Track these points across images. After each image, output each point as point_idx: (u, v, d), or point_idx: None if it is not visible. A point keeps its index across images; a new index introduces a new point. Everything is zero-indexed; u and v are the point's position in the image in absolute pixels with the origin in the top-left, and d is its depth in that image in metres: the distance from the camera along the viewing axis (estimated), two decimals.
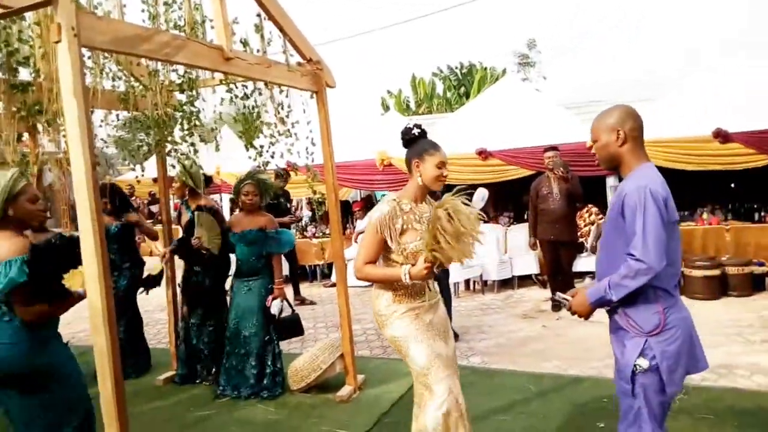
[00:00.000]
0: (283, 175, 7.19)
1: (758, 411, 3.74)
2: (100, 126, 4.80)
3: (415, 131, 2.86)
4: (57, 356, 2.74)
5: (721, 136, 6.82)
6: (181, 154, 4.70)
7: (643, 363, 2.20)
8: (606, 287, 2.21)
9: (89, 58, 3.99)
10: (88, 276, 2.55)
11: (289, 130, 4.61)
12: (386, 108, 24.06)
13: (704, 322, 5.83)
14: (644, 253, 2.10)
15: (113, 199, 5.23)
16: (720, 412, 3.74)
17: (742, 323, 5.64)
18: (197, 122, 4.30)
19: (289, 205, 7.71)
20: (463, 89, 27.46)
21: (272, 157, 4.48)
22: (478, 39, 52.51)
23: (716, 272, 6.72)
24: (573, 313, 2.39)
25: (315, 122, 4.57)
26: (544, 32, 59.34)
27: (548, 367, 4.81)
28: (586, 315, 2.35)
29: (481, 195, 3.08)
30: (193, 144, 4.41)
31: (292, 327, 4.69)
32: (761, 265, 6.85)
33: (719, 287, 6.74)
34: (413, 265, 2.63)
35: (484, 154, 8.11)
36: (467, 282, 8.12)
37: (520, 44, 34.67)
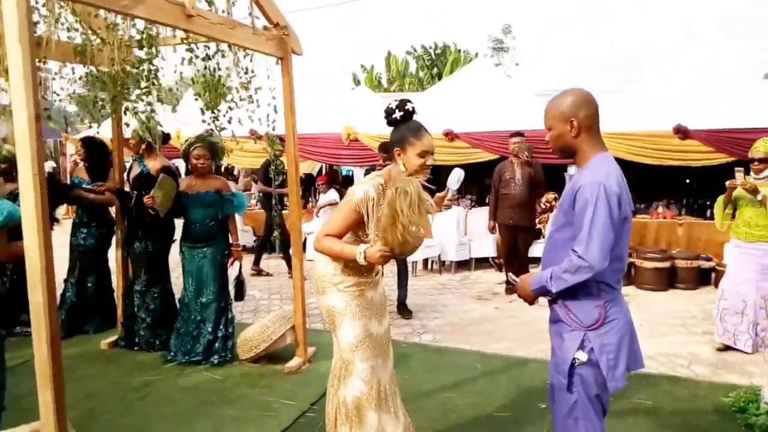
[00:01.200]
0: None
1: (693, 398, 3.87)
2: (54, 79, 4.62)
3: (397, 114, 2.62)
4: None
5: (681, 132, 6.96)
6: (140, 112, 4.55)
7: (582, 356, 2.16)
8: (548, 278, 2.17)
9: (44, 5, 3.82)
10: (26, 232, 2.45)
11: (251, 96, 4.51)
12: (357, 83, 23.81)
13: (651, 312, 6.02)
14: (587, 251, 2.05)
15: (91, 156, 5.22)
16: (658, 399, 3.86)
17: (686, 315, 5.83)
18: (155, 81, 4.14)
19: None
20: (435, 70, 27.35)
21: (230, 122, 4.37)
22: (454, 21, 52.36)
23: (666, 265, 6.92)
24: (519, 296, 2.37)
25: (279, 90, 4.47)
26: (520, 18, 59.41)
27: (497, 348, 4.89)
28: (530, 300, 2.33)
29: (457, 176, 2.95)
30: (150, 103, 4.26)
31: (240, 290, 4.77)
32: (708, 260, 7.08)
33: (668, 279, 6.95)
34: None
35: (450, 135, 8.10)
36: (425, 261, 8.17)
37: (495, 29, 34.74)
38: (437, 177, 10.06)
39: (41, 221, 2.44)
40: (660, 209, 7.98)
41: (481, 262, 8.23)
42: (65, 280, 5.37)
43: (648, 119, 7.22)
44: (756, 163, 4.57)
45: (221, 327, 4.59)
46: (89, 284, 5.31)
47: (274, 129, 4.61)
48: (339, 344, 2.73)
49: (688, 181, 9.05)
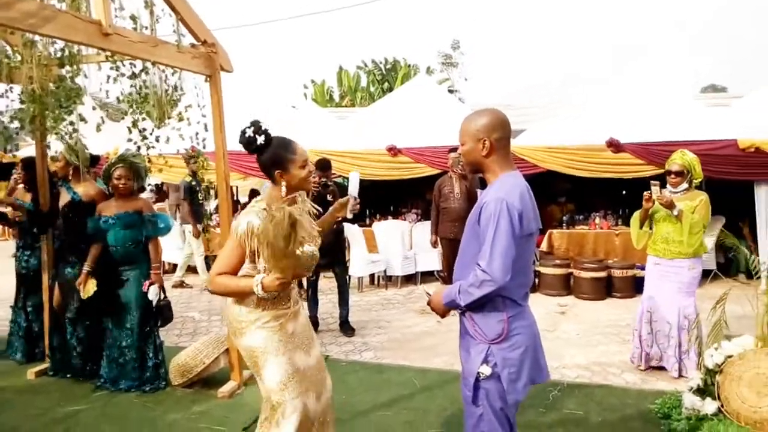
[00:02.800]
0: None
1: (623, 406, 3.95)
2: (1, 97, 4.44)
3: (260, 140, 2.47)
4: None
5: (614, 145, 7.19)
6: (66, 133, 4.40)
7: (486, 370, 2.20)
8: (456, 291, 2.21)
9: None
10: None
11: (180, 114, 4.42)
12: (306, 98, 23.79)
13: (587, 321, 6.16)
14: (489, 265, 2.09)
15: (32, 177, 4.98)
16: (589, 408, 3.93)
17: (621, 323, 5.97)
18: (77, 100, 4.02)
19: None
20: (386, 84, 27.57)
21: (157, 140, 4.27)
22: (405, 36, 53.01)
23: (603, 274, 7.10)
24: (432, 309, 2.40)
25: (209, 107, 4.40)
26: (469, 33, 60.66)
27: (436, 363, 4.90)
28: (441, 313, 2.37)
29: (355, 181, 2.88)
30: (72, 123, 4.13)
31: (167, 313, 4.51)
32: (643, 268, 7.28)
33: (605, 288, 7.13)
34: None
35: (393, 150, 8.15)
36: (372, 276, 8.15)
37: (444, 44, 35.27)
38: (381, 191, 10.07)
39: None
40: (597, 220, 8.21)
41: (427, 276, 8.26)
42: (12, 306, 5.22)
43: (583, 134, 7.44)
44: (672, 175, 4.42)
45: (150, 355, 4.44)
46: (29, 308, 5.10)
47: (204, 147, 4.53)
48: (264, 386, 2.53)
49: (624, 192, 9.35)
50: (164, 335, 4.88)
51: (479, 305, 2.20)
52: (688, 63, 8.74)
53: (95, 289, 4.32)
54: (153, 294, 4.33)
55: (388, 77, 28.21)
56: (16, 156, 5.60)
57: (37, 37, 3.94)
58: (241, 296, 2.49)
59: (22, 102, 4.21)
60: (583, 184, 8.40)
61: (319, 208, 2.78)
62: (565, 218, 8.44)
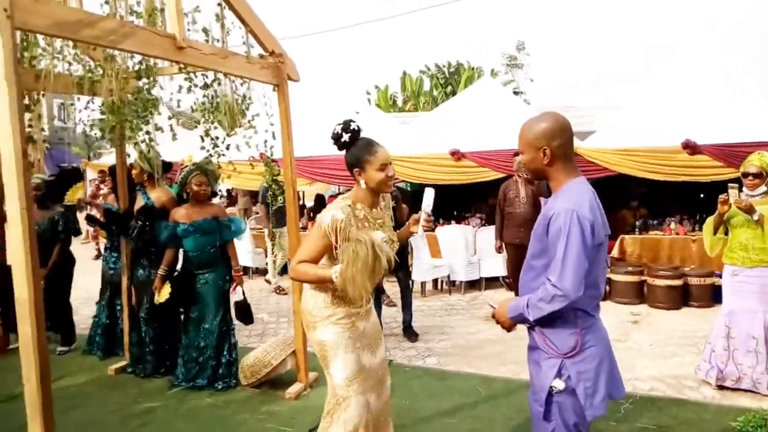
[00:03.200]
0: None
1: (700, 422, 3.76)
2: (86, 108, 4.75)
3: (345, 137, 2.60)
4: None
5: (690, 147, 6.86)
6: (141, 141, 4.63)
7: (559, 384, 2.12)
8: (524, 305, 2.14)
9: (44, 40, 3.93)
10: (14, 264, 2.49)
11: (249, 122, 4.57)
12: (370, 103, 24.00)
13: (662, 331, 5.89)
14: (561, 280, 2.03)
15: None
16: (663, 423, 3.76)
17: (698, 334, 5.67)
18: (153, 110, 4.22)
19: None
20: (450, 88, 27.45)
21: (227, 148, 4.41)
22: (468, 38, 52.63)
23: (678, 282, 6.78)
24: (497, 323, 2.34)
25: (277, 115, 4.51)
26: (535, 34, 59.48)
27: (502, 371, 4.81)
28: (507, 327, 2.30)
29: (430, 197, 2.87)
30: (148, 132, 4.33)
31: (247, 313, 4.76)
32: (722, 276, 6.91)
33: (681, 297, 6.80)
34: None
35: (457, 155, 8.09)
36: (435, 282, 8.11)
37: (509, 46, 34.77)
38: (445, 196, 10.04)
39: (29, 254, 2.48)
40: (673, 225, 7.84)
41: (492, 281, 8.14)
42: (97, 303, 5.53)
43: (655, 135, 7.14)
44: (750, 178, 4.13)
45: (225, 353, 4.60)
46: (118, 307, 5.38)
47: (272, 154, 4.65)
48: (332, 380, 2.64)
49: (702, 196, 8.90)
50: (236, 336, 5.02)
51: (549, 320, 2.13)
52: (720, 63, 8.30)
53: (168, 295, 4.51)
54: (239, 295, 4.54)
55: (451, 81, 28.08)
56: (88, 163, 5.92)
57: (116, 52, 4.17)
58: (319, 284, 2.60)
59: (102, 113, 4.46)
60: (657, 187, 8.04)
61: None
62: (638, 223, 8.12)
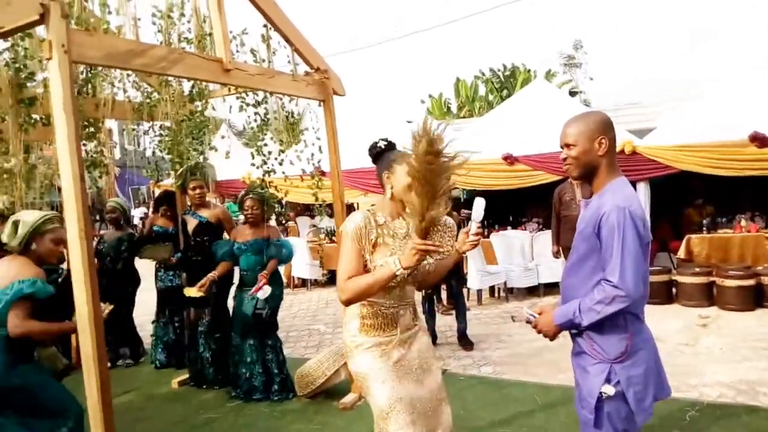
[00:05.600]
0: None
1: None
2: (147, 132, 5.02)
3: (381, 144, 2.52)
4: (28, 375, 2.92)
5: (758, 140, 6.50)
6: (201, 158, 4.82)
7: (609, 390, 2.07)
8: (576, 310, 2.09)
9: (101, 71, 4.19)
10: (75, 283, 2.65)
11: (298, 138, 4.69)
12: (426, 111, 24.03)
13: (733, 334, 5.59)
14: (622, 280, 1.98)
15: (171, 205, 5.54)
16: (732, 431, 3.56)
17: None
18: (205, 130, 4.40)
19: None
20: (505, 92, 27.10)
21: (281, 164, 4.53)
22: (524, 40, 51.83)
23: (751, 282, 6.42)
24: (539, 332, 2.28)
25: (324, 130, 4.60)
26: (593, 33, 57.97)
27: (560, 379, 4.69)
28: (552, 336, 2.24)
29: (480, 207, 2.74)
30: (203, 152, 4.52)
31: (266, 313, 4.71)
32: None
33: (754, 298, 6.43)
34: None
35: (510, 159, 7.99)
36: (492, 289, 8.01)
37: (566, 45, 34.01)
38: (499, 201, 9.86)
39: (88, 273, 2.63)
40: (744, 222, 7.44)
41: (551, 288, 7.95)
42: (154, 322, 5.77)
43: (718, 129, 6.81)
44: None
45: (275, 371, 4.70)
46: (177, 323, 5.63)
47: (320, 167, 4.75)
48: (374, 410, 2.47)
49: None
50: (292, 348, 5.14)
51: (597, 325, 2.08)
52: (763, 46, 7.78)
53: (197, 294, 4.68)
54: (263, 293, 4.54)
55: (506, 84, 27.73)
56: (156, 185, 6.17)
57: (170, 77, 4.38)
58: (380, 289, 2.32)
59: (161, 135, 4.70)
60: (724, 183, 7.67)
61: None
62: (705, 222, 7.75)
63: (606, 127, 2.16)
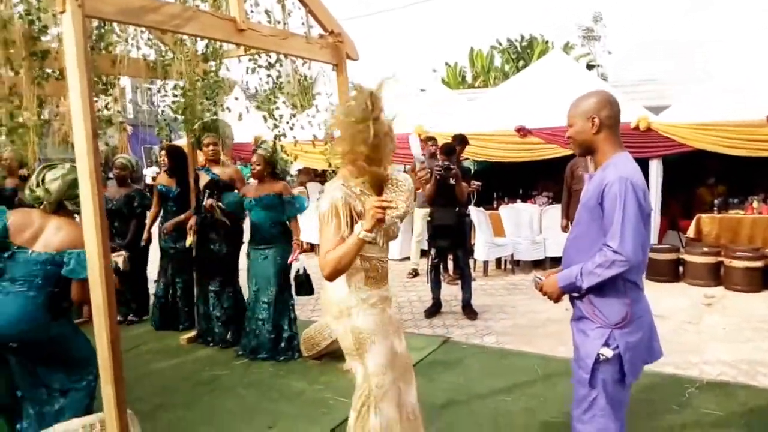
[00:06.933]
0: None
1: None
2: (159, 91, 5.00)
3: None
4: (64, 327, 3.00)
5: None
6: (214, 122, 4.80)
7: (608, 352, 2.21)
8: (578, 274, 2.22)
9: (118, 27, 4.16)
10: (86, 238, 2.69)
11: (311, 102, 4.66)
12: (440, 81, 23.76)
13: (738, 314, 5.61)
14: (621, 245, 2.11)
15: (175, 163, 5.51)
16: (730, 409, 3.60)
17: None
18: (219, 91, 4.39)
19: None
20: (522, 63, 26.71)
21: (291, 128, 4.53)
22: (542, 11, 50.73)
23: (759, 264, 6.39)
24: (543, 294, 2.42)
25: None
26: (613, 4, 56.56)
27: (561, 351, 4.74)
28: (556, 298, 2.38)
29: (415, 140, 2.69)
30: (215, 113, 4.52)
31: (307, 285, 4.88)
32: None
33: (761, 279, 6.42)
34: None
35: (522, 131, 7.92)
36: (498, 261, 8.03)
37: (585, 17, 33.29)
38: (510, 173, 9.81)
39: (99, 229, 2.66)
40: (756, 204, 7.37)
41: (558, 261, 7.93)
42: (155, 281, 5.81)
43: (736, 108, 6.70)
44: None
45: (284, 327, 4.78)
46: (179, 284, 5.67)
47: (332, 133, 4.73)
48: (366, 369, 2.51)
49: None
50: (299, 311, 5.20)
51: (600, 289, 2.21)
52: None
53: (192, 240, 4.87)
54: (299, 265, 4.69)
55: (523, 55, 27.34)
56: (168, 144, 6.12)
57: (185, 36, 4.35)
58: (354, 256, 2.31)
59: (174, 95, 4.69)
60: (737, 164, 7.57)
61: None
62: (716, 202, 7.68)
63: (600, 106, 2.27)
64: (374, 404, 2.50)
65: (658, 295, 5.85)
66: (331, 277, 2.35)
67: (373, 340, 2.48)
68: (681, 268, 6.95)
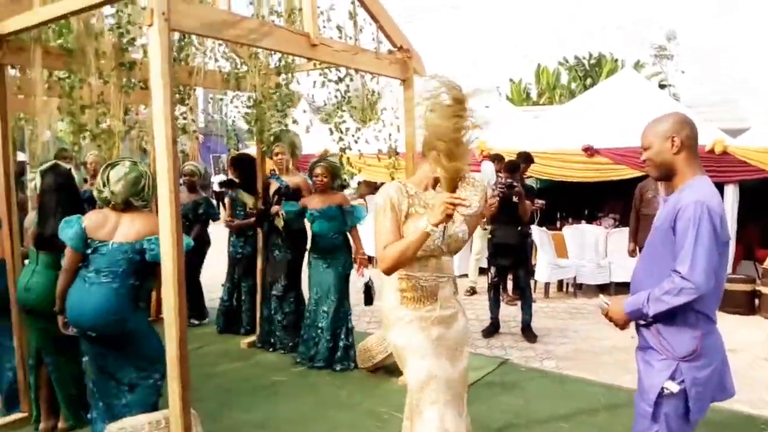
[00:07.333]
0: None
1: None
2: (232, 102, 5.20)
3: None
4: (140, 322, 3.14)
5: None
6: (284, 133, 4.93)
7: (673, 387, 2.10)
8: (644, 300, 2.12)
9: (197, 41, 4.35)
10: (162, 242, 2.80)
11: (377, 116, 4.73)
12: (500, 95, 23.55)
13: None
14: (691, 272, 2.00)
15: (240, 172, 5.69)
16: None
17: None
18: (289, 104, 4.51)
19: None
20: (589, 80, 26.15)
21: (356, 141, 4.59)
22: (611, 28, 49.54)
23: None
24: (609, 320, 2.33)
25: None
26: (687, 24, 54.60)
27: (626, 381, 4.55)
28: (622, 324, 2.29)
29: (490, 168, 2.68)
30: (286, 125, 4.64)
31: (368, 295, 4.91)
32: None
33: None
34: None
35: (590, 150, 7.72)
36: (560, 283, 7.83)
37: (657, 35, 32.29)
38: (575, 194, 9.59)
39: (175, 233, 2.77)
40: None
41: (623, 287, 7.68)
42: (223, 285, 5.97)
43: None
44: None
45: (342, 336, 4.83)
46: (244, 288, 5.81)
47: (396, 147, 4.77)
48: (408, 384, 2.52)
49: None
50: (355, 323, 5.23)
51: (669, 318, 2.10)
52: None
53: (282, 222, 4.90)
54: (367, 277, 4.77)
55: (591, 73, 26.76)
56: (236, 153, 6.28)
57: (259, 50, 4.50)
58: (415, 251, 2.32)
59: (247, 107, 4.85)
60: None
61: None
62: None
63: (679, 126, 2.19)
64: (415, 420, 2.48)
65: (731, 327, 5.55)
66: (389, 270, 2.38)
67: (406, 356, 2.48)
68: (757, 301, 6.57)
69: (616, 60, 26.08)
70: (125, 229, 3.08)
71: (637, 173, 7.37)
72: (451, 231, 2.41)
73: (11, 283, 3.62)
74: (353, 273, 4.95)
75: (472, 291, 7.62)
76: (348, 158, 4.86)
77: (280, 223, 4.89)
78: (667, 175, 2.23)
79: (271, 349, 5.26)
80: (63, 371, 3.49)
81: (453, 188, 2.28)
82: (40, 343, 3.52)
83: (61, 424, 3.58)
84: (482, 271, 7.84)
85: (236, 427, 3.77)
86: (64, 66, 3.52)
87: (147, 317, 3.24)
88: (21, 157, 5.47)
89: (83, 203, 3.57)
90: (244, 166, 5.69)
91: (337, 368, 4.77)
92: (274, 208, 4.89)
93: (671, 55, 29.43)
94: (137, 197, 3.12)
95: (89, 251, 3.05)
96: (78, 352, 3.26)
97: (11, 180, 3.61)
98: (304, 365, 4.86)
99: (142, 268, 3.05)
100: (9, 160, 3.62)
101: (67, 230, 3.08)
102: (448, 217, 2.22)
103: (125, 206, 3.13)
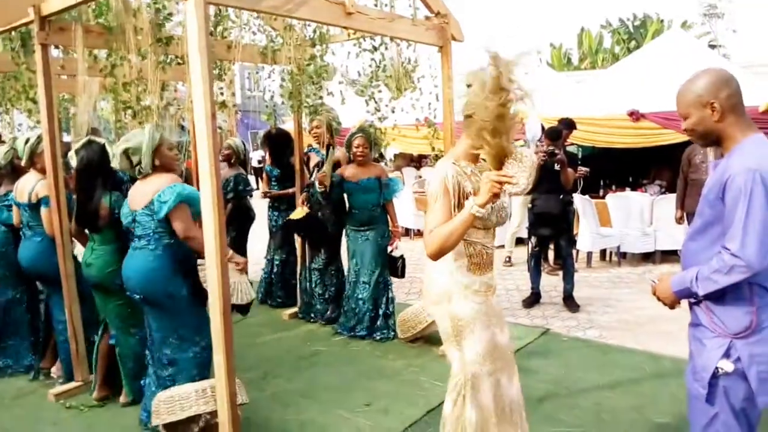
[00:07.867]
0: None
1: None
2: (269, 77, 5.20)
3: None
4: (183, 288, 3.19)
5: None
6: (318, 106, 4.91)
7: (727, 366, 1.93)
8: (693, 278, 1.95)
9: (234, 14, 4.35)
10: (204, 216, 2.84)
11: (413, 85, 4.66)
12: (540, 62, 22.93)
13: None
14: (742, 249, 1.82)
15: (274, 148, 5.78)
16: None
17: None
18: (325, 75, 4.48)
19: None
20: (633, 43, 25.24)
21: (393, 111, 4.55)
22: None
23: None
24: (657, 299, 2.16)
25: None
26: None
27: (672, 350, 4.45)
28: (671, 304, 2.12)
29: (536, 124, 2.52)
30: (321, 97, 4.63)
31: (398, 268, 4.96)
32: None
33: None
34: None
35: (635, 115, 7.48)
36: (603, 252, 7.68)
37: None
38: (620, 161, 9.33)
39: (217, 208, 2.80)
40: None
41: (668, 255, 7.48)
42: (264, 257, 6.06)
43: None
44: None
45: (382, 305, 4.88)
46: (276, 261, 5.89)
47: (435, 117, 4.70)
48: (464, 357, 2.41)
49: None
50: (395, 292, 5.26)
51: (719, 295, 1.93)
52: None
53: (302, 215, 4.94)
54: (399, 251, 4.82)
55: (636, 35, 25.82)
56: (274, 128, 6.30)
57: (294, 22, 4.47)
58: (461, 235, 2.21)
59: (282, 80, 4.84)
60: None
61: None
62: None
63: (716, 88, 1.94)
64: (470, 394, 2.39)
65: None
66: (435, 255, 2.23)
67: (472, 329, 2.39)
68: None
69: (662, 21, 25.04)
70: (140, 195, 3.19)
71: (684, 138, 7.10)
72: (497, 205, 2.34)
73: (61, 258, 3.76)
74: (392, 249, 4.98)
75: (509, 261, 7.55)
76: (382, 130, 4.82)
77: (321, 189, 4.89)
78: (715, 142, 2.03)
79: (312, 321, 5.35)
80: (123, 345, 3.62)
81: (499, 165, 2.15)
82: (104, 315, 3.68)
83: (122, 399, 3.71)
84: (519, 242, 7.77)
85: (279, 396, 3.86)
86: (105, 44, 3.57)
87: (189, 286, 3.25)
88: (66, 138, 5.62)
89: (119, 177, 3.65)
90: (277, 141, 5.75)
91: (378, 337, 4.82)
92: (319, 175, 4.88)
93: (722, 14, 28.05)
94: (137, 166, 3.18)
95: (133, 223, 3.21)
96: (141, 329, 3.40)
97: (58, 160, 3.72)
98: (345, 335, 4.93)
99: (169, 225, 3.12)
100: (56, 141, 3.73)
101: (123, 210, 3.30)
102: (495, 196, 2.11)
103: (148, 173, 3.20)
